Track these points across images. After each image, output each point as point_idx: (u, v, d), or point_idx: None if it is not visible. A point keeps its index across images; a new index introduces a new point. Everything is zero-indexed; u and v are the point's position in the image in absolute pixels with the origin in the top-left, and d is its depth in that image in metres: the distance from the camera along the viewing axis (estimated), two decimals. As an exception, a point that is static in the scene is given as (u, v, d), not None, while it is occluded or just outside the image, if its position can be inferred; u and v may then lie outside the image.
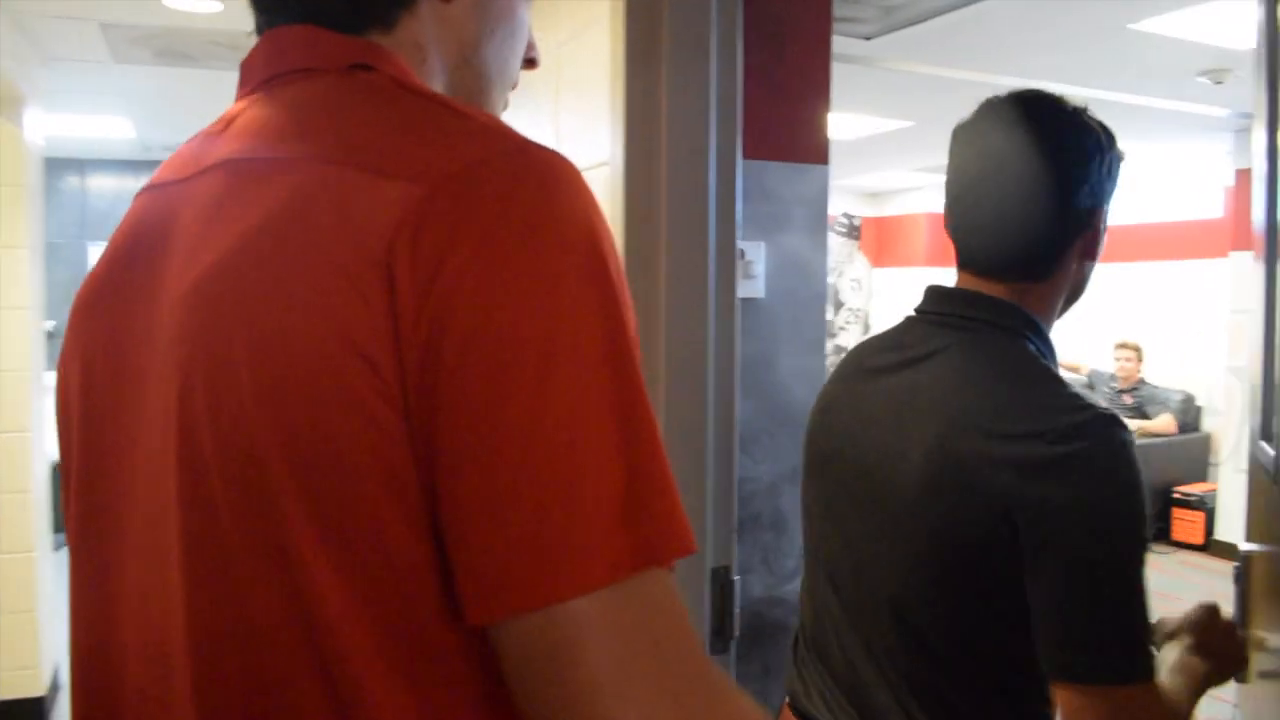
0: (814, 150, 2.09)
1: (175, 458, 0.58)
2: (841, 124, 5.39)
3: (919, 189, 8.50)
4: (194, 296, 0.59)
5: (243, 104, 0.69)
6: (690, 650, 0.55)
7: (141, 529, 0.63)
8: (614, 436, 0.54)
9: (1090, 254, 1.19)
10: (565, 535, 0.52)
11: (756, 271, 2.04)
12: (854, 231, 9.14)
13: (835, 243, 8.87)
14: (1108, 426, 1.01)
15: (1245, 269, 5.53)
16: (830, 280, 8.64)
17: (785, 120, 2.04)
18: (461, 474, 0.53)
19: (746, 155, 1.89)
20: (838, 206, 8.78)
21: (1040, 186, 1.13)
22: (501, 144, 0.58)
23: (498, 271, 0.53)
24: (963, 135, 1.22)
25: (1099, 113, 1.17)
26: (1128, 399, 6.61)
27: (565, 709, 0.52)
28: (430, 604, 0.55)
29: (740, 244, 1.81)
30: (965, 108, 1.22)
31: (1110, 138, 1.18)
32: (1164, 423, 6.41)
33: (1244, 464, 5.65)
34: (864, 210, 9.18)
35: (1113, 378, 6.78)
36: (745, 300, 1.98)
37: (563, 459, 0.52)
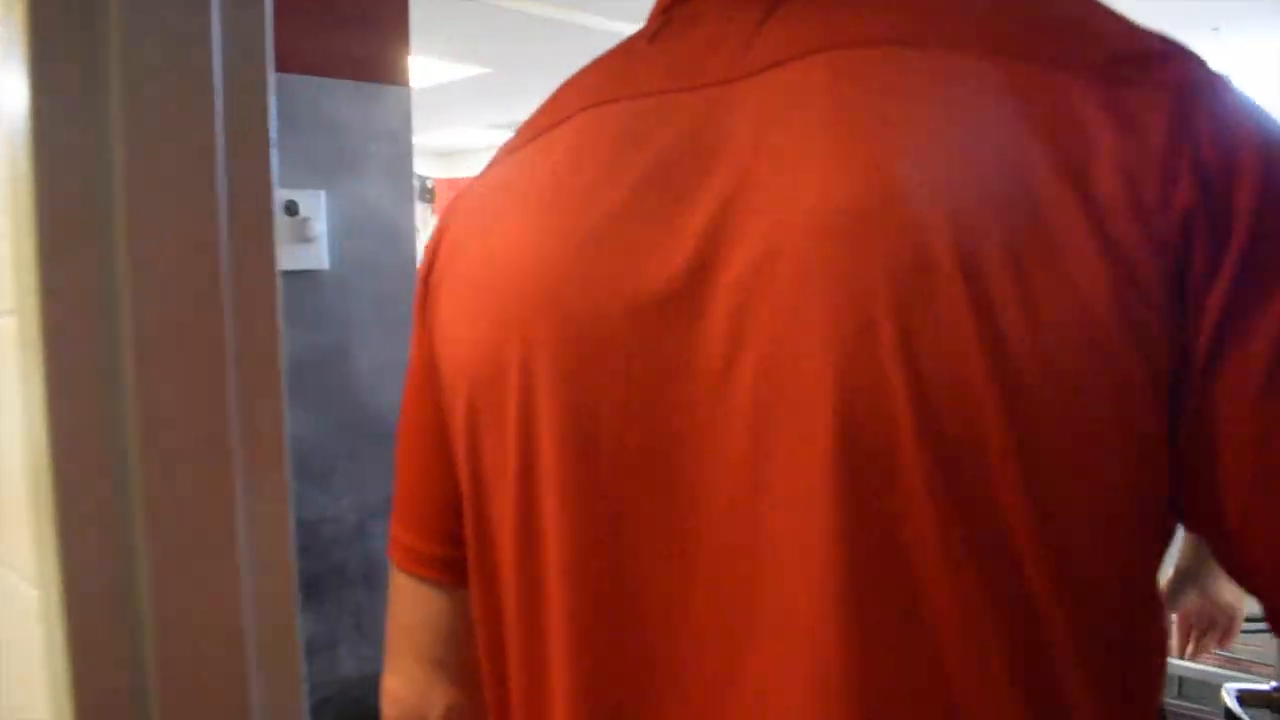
0: (388, 65, 1.61)
1: (829, 450, 0.44)
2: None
3: (495, 147, 7.85)
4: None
5: None
6: None
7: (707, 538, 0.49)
8: None
9: None
10: None
11: (315, 231, 1.54)
12: (427, 194, 8.29)
13: (410, 206, 8.42)
14: None
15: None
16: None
17: (344, 21, 1.56)
18: None
19: (284, 68, 1.29)
20: (408, 166, 8.38)
21: None
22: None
23: None
24: None
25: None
26: None
27: None
28: (1136, 595, 0.47)
29: (283, 193, 1.36)
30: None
31: None
32: None
33: None
34: (436, 171, 8.42)
35: None
36: (299, 274, 1.51)
37: None
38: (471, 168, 8.38)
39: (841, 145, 0.46)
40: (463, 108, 6.05)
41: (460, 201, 0.65)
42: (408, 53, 1.63)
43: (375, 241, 1.56)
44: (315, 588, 1.46)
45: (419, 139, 7.12)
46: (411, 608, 0.67)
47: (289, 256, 1.52)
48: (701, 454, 0.49)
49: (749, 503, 0.48)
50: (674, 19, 0.57)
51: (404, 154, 1.64)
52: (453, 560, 0.63)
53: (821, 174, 0.46)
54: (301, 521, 1.52)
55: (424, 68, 4.75)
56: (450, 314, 0.59)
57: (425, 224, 8.41)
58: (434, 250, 0.63)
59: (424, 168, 8.41)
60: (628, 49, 0.59)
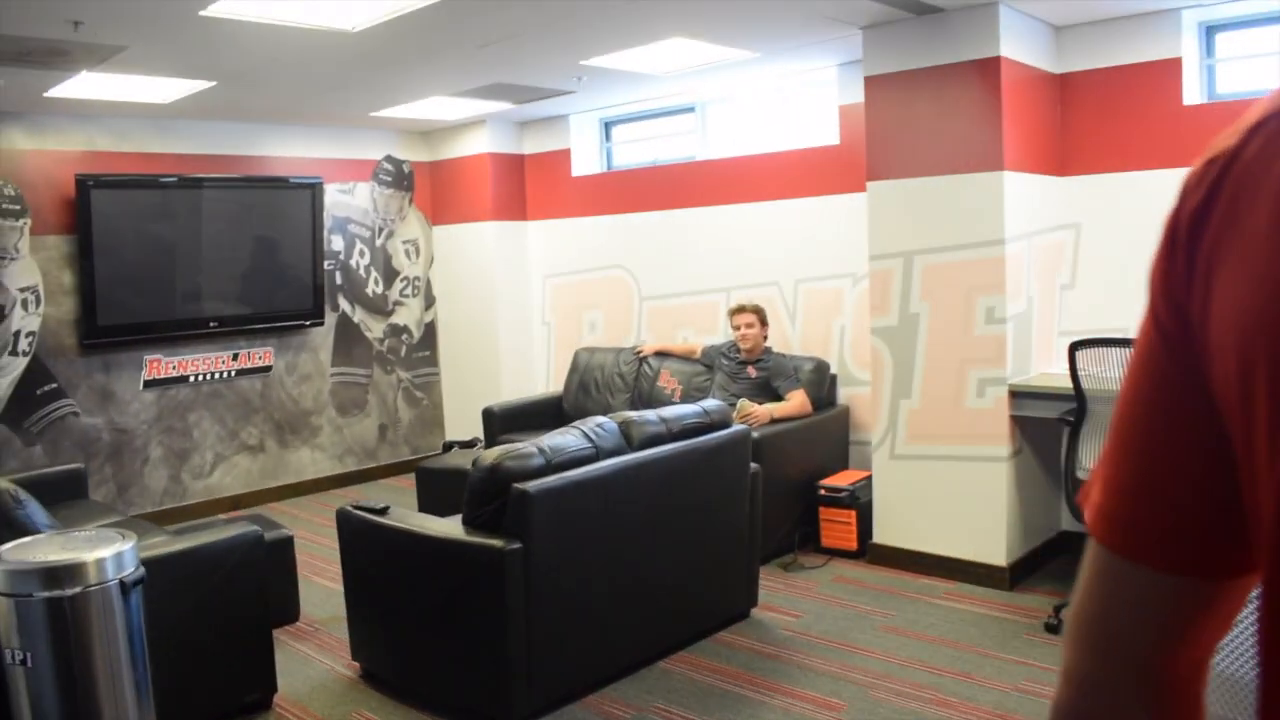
0: None
1: None
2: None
3: (478, 124, 6.93)
4: None
5: None
6: None
7: None
8: None
9: None
10: None
11: None
12: (404, 180, 7.33)
13: (381, 195, 7.20)
14: None
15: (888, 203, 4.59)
16: (379, 243, 7.22)
17: None
18: None
19: None
20: (379, 149, 7.16)
21: None
22: None
23: None
24: None
25: None
26: (753, 372, 5.33)
27: None
28: None
29: None
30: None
31: None
32: (798, 402, 5.15)
33: (903, 448, 4.80)
34: (415, 154, 7.36)
35: (733, 346, 5.48)
36: None
37: None
38: (456, 148, 7.20)
39: None
40: (422, 63, 4.92)
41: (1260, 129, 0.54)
42: None
43: None
44: None
45: (391, 113, 5.76)
46: (1128, 597, 0.65)
47: None
48: None
49: None
50: None
51: None
52: (1201, 549, 0.61)
53: None
54: None
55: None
56: (1244, 265, 0.52)
57: (402, 214, 7.35)
58: (1213, 186, 0.56)
59: (400, 149, 7.25)
60: None
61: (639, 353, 6.19)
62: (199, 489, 6.31)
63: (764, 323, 5.40)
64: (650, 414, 3.82)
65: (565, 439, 3.48)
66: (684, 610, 3.87)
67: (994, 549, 4.45)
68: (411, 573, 3.44)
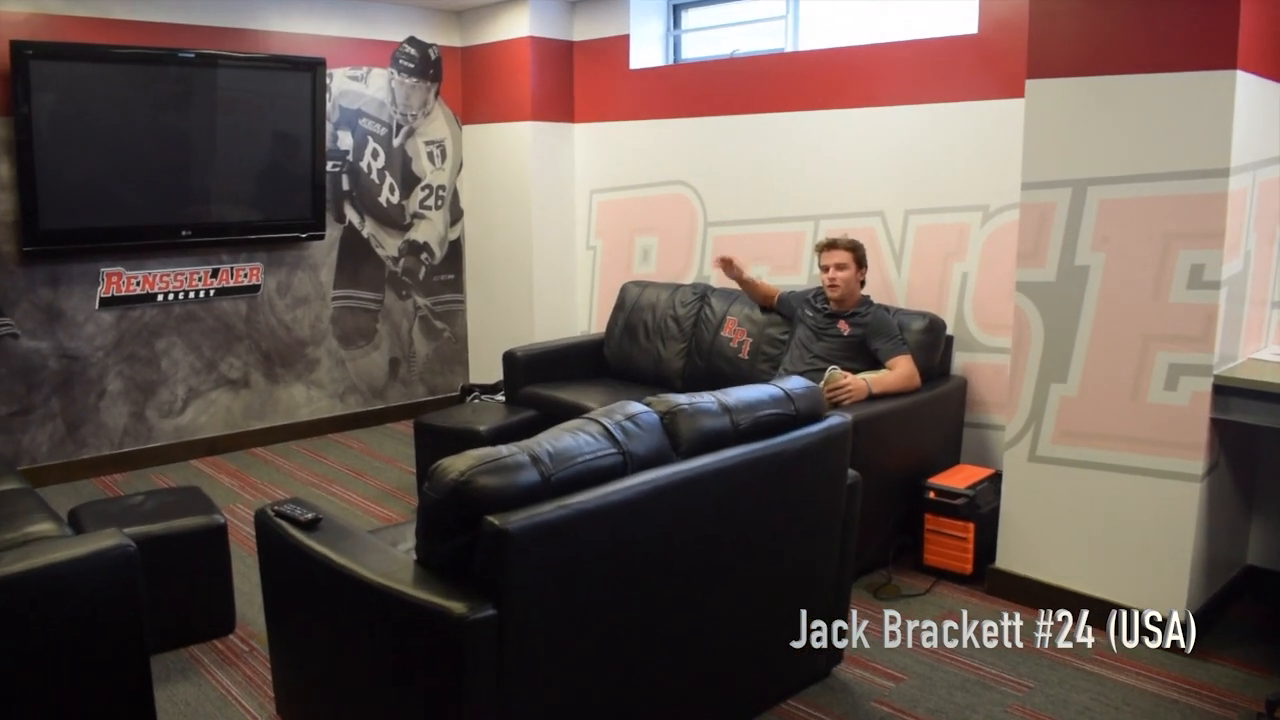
0: None
1: None
2: None
3: (519, 1, 5.69)
4: None
5: None
6: None
7: None
8: None
9: None
10: None
11: None
12: (430, 69, 6.08)
13: (402, 86, 5.96)
14: None
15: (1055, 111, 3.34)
16: (396, 142, 5.99)
17: None
18: None
19: None
20: (400, 29, 5.90)
21: None
22: None
23: None
24: None
25: None
26: (845, 327, 4.11)
27: None
28: None
29: None
30: None
31: None
32: (904, 372, 3.94)
33: (1049, 448, 3.39)
34: (444, 37, 6.09)
35: (820, 294, 4.26)
36: None
37: None
38: (492, 30, 5.97)
39: None
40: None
41: None
42: None
43: None
44: None
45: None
46: None
47: None
48: None
49: None
50: None
51: None
52: None
53: None
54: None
55: None
56: None
57: (426, 109, 6.15)
58: None
59: (427, 30, 6.03)
60: None
61: (719, 261, 4.65)
62: (168, 429, 5.30)
63: (861, 264, 4.16)
64: (707, 399, 2.64)
65: (577, 440, 2.32)
66: (741, 676, 2.75)
67: (1170, 595, 3.24)
68: (346, 622, 2.35)
